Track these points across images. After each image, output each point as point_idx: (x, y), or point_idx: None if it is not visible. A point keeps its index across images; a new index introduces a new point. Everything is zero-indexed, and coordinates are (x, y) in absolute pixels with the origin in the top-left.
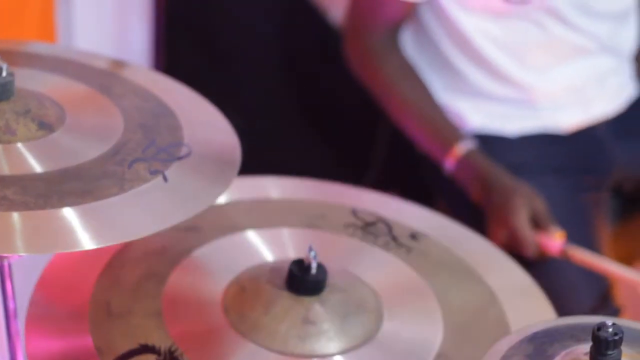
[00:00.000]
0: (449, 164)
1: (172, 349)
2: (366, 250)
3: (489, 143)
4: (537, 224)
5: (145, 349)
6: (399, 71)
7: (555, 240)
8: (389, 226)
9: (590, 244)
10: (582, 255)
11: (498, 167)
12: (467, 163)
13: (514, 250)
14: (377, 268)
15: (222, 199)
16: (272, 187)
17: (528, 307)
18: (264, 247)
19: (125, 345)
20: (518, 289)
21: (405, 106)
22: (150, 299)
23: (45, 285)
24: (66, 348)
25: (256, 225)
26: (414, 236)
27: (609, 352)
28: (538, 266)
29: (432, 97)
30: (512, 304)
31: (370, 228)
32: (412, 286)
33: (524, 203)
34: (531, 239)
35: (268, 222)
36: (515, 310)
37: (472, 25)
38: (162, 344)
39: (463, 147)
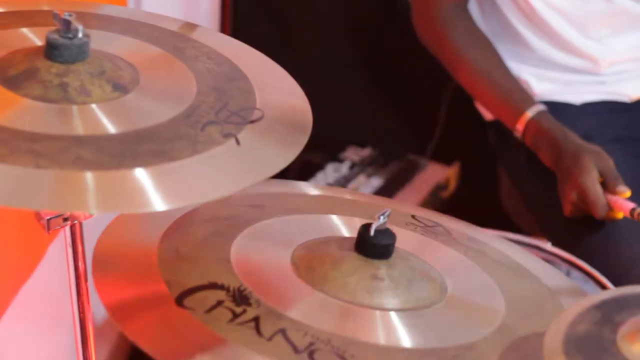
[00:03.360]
0: (520, 127)
1: (242, 288)
2: (428, 242)
3: (553, 110)
4: (607, 184)
5: (214, 285)
6: (468, 38)
7: (624, 200)
8: (447, 230)
9: None
10: None
11: (567, 130)
12: (538, 127)
13: (585, 210)
14: (438, 256)
15: (285, 189)
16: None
17: None
18: (330, 226)
19: (195, 282)
20: (574, 292)
21: (475, 73)
22: (218, 249)
23: (108, 240)
24: (138, 291)
25: (321, 212)
26: (472, 239)
27: None
28: (605, 237)
29: (503, 63)
30: (569, 302)
31: (430, 229)
32: (473, 275)
33: (593, 163)
34: (601, 198)
35: (332, 211)
36: None
37: None
38: (231, 283)
39: (534, 111)
